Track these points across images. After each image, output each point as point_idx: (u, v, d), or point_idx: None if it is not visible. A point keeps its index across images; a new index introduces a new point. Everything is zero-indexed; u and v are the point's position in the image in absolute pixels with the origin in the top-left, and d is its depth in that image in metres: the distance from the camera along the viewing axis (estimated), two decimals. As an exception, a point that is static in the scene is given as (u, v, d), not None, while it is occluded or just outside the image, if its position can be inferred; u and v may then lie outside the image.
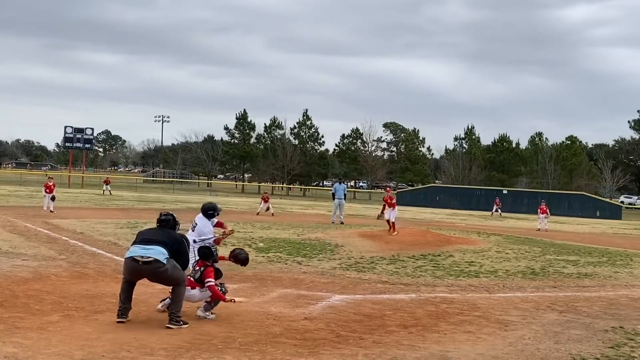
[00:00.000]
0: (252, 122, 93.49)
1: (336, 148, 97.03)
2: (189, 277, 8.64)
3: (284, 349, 7.25)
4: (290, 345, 7.43)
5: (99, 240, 17.40)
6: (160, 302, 8.99)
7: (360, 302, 10.55)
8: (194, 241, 9.88)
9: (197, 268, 8.94)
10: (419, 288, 12.28)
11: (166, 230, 8.41)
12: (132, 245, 8.33)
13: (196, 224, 10.51)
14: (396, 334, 8.32)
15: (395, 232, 20.07)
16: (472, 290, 12.38)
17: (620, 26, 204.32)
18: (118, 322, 8.02)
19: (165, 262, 7.95)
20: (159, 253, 7.96)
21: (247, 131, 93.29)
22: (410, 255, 16.43)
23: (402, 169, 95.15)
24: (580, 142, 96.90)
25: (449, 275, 13.96)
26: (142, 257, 7.94)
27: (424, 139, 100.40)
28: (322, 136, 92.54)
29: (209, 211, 10.58)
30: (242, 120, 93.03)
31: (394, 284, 12.57)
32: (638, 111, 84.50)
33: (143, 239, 8.24)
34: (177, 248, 8.20)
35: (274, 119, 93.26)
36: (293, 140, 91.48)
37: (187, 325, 8.00)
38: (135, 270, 8.05)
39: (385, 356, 7.19)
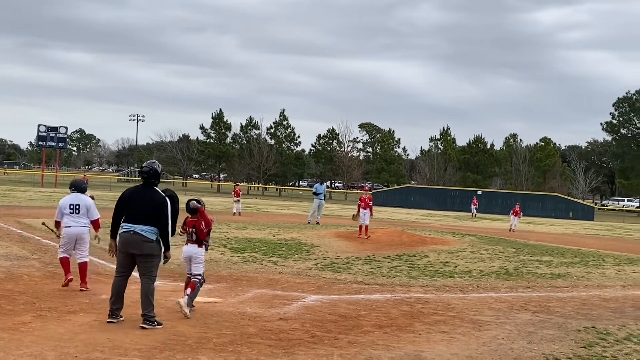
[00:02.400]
0: (228, 122, 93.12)
1: (312, 148, 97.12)
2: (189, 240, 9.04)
3: (259, 350, 7.24)
4: (265, 346, 7.42)
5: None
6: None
7: (336, 302, 10.56)
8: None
9: (190, 229, 9.10)
10: (394, 288, 12.33)
11: (149, 193, 8.21)
12: (120, 216, 8.24)
13: (79, 205, 10.73)
14: (371, 334, 8.34)
15: (367, 236, 19.33)
16: (447, 291, 12.46)
17: (591, 30, 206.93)
18: (108, 322, 8.03)
19: (154, 239, 8.06)
20: (146, 231, 8.02)
21: (223, 131, 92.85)
22: (385, 256, 16.49)
23: (377, 170, 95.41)
24: (554, 143, 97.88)
25: (424, 276, 14.02)
26: (134, 230, 8.02)
27: (399, 139, 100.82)
28: (299, 136, 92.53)
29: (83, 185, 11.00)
30: (218, 119, 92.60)
31: (369, 284, 12.60)
32: (610, 114, 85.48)
33: (131, 215, 8.12)
34: (164, 217, 8.12)
35: (250, 118, 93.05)
36: (269, 140, 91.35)
37: (161, 326, 7.96)
38: (127, 241, 8.03)
39: (360, 356, 7.20)
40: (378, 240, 18.85)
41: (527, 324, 9.48)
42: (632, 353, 8.00)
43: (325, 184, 34.03)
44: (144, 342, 7.25)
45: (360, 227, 20.04)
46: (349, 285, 12.46)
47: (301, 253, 16.42)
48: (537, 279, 14.53)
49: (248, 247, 17.17)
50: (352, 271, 14.13)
